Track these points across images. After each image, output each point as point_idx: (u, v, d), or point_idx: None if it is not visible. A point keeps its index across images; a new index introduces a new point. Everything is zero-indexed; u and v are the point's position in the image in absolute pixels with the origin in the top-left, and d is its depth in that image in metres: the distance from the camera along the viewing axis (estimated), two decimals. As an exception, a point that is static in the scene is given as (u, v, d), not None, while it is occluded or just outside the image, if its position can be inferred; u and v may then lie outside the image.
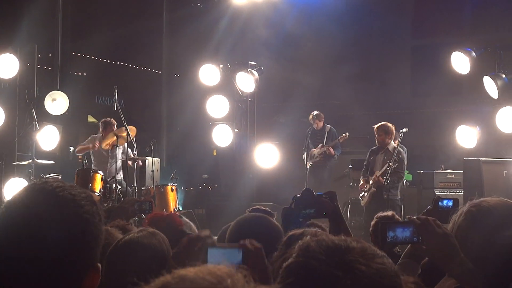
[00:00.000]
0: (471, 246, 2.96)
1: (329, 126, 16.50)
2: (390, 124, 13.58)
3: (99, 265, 2.07)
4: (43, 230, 1.94)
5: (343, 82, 17.55)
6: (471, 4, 17.70)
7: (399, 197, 13.40)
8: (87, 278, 2.03)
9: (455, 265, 3.00)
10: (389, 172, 12.97)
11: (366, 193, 13.43)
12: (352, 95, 17.59)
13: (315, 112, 16.44)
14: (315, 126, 16.40)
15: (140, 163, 14.95)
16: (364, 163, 13.88)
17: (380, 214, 7.04)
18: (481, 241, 2.87)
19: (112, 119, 14.68)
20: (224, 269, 1.54)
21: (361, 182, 13.62)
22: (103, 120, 14.81)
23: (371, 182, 13.29)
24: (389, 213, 7.10)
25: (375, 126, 13.64)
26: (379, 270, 1.86)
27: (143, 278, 3.56)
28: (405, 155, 13.46)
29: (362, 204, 13.66)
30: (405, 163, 13.41)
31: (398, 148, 13.42)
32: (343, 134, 16.20)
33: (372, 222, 7.00)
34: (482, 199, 3.33)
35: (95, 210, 2.06)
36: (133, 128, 14.35)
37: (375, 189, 13.18)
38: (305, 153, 16.34)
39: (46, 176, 14.10)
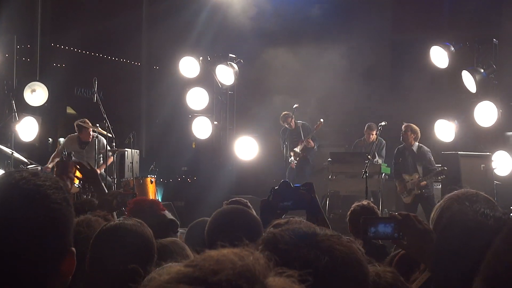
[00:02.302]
0: (451, 242, 2.94)
1: (301, 121, 16.63)
2: (413, 125, 14.17)
3: (73, 249, 2.09)
4: (11, 224, 1.95)
5: (322, 75, 17.57)
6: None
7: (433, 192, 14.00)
8: (64, 263, 2.05)
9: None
10: (429, 174, 13.75)
11: (406, 193, 14.08)
12: (331, 88, 17.60)
13: (283, 113, 16.52)
14: (286, 125, 16.48)
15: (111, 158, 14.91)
16: (393, 163, 14.58)
17: (357, 203, 7.14)
18: (463, 237, 2.83)
19: (87, 119, 14.61)
20: (245, 250, 1.59)
21: (398, 187, 14.29)
22: (77, 122, 14.69)
23: (411, 184, 13.94)
24: (365, 202, 7.21)
25: (404, 124, 14.02)
26: (349, 246, 1.92)
27: (129, 263, 3.58)
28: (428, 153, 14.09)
29: (404, 201, 14.16)
30: (432, 158, 14.06)
31: (423, 147, 14.03)
32: (318, 122, 16.33)
33: (349, 212, 7.09)
34: (458, 193, 3.36)
35: (62, 196, 2.06)
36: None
37: (419, 191, 13.81)
38: (289, 153, 16.40)
39: (26, 167, 14.06)
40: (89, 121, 14.53)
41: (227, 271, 1.47)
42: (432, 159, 13.93)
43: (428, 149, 14.19)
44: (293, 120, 16.52)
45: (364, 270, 1.98)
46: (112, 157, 14.63)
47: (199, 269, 1.48)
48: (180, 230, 5.96)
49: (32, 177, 2.06)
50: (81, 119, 14.70)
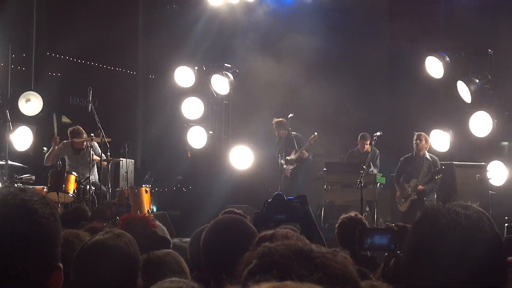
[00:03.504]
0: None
1: (294, 132, 16.58)
2: (426, 135, 14.39)
3: (61, 264, 2.07)
4: None
5: (320, 84, 17.55)
6: (445, 10, 17.77)
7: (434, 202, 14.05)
8: (51, 279, 2.04)
9: None
10: (430, 180, 13.92)
11: (403, 199, 14.27)
12: (328, 97, 17.59)
13: (276, 120, 16.51)
14: (277, 134, 16.47)
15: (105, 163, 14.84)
16: (396, 170, 14.69)
17: (344, 215, 7.14)
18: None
19: (80, 127, 14.58)
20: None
21: (398, 193, 14.46)
22: (70, 130, 14.64)
23: (410, 189, 14.12)
24: (352, 213, 7.20)
25: (416, 132, 14.10)
26: (344, 264, 1.92)
27: (110, 280, 3.58)
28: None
29: (400, 210, 14.33)
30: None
31: (433, 156, 14.25)
32: (312, 135, 16.29)
33: (337, 225, 7.08)
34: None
35: (49, 211, 2.05)
36: (108, 138, 14.29)
37: (416, 197, 13.92)
38: (282, 160, 16.35)
39: (20, 177, 14.04)
40: (84, 130, 14.50)
41: None
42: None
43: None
44: (286, 132, 16.45)
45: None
46: (105, 162, 14.62)
47: None
48: (175, 239, 5.94)
49: (19, 192, 2.05)
50: (74, 127, 14.67)
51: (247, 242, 3.71)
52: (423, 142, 14.12)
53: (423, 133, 14.21)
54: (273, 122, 16.55)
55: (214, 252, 4.02)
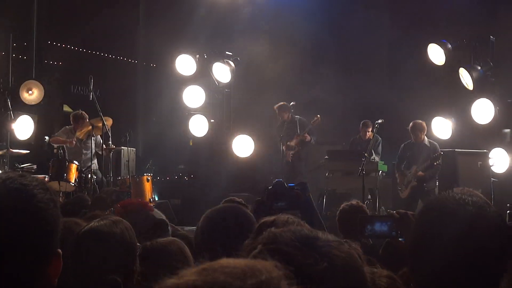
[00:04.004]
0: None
1: (298, 116, 16.55)
2: (420, 121, 14.30)
3: (60, 251, 2.06)
4: None
5: (321, 73, 17.54)
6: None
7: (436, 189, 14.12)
8: (51, 265, 2.03)
9: None
10: (429, 166, 13.87)
11: (404, 186, 14.32)
12: (330, 85, 17.56)
13: (278, 104, 16.49)
14: (280, 118, 16.44)
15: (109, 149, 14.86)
16: (398, 157, 14.69)
17: (346, 202, 7.16)
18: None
19: (83, 111, 14.62)
20: (266, 264, 1.54)
21: (399, 179, 14.50)
22: (73, 113, 14.69)
23: (410, 176, 14.15)
24: (354, 201, 7.22)
25: (409, 128, 14.32)
26: (349, 254, 1.90)
27: (106, 266, 3.57)
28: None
29: (401, 196, 14.37)
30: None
31: (433, 142, 14.26)
32: (315, 117, 16.24)
33: (338, 212, 7.10)
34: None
35: (49, 196, 2.04)
36: (109, 118, 14.33)
37: (416, 183, 13.94)
38: (283, 147, 16.34)
39: (21, 166, 14.04)
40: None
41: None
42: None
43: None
44: (290, 115, 16.45)
45: (363, 279, 1.96)
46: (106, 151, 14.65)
47: (207, 283, 1.46)
48: (178, 228, 5.93)
49: (19, 177, 2.03)
50: (77, 111, 14.69)
51: (245, 226, 3.70)
52: (418, 134, 14.11)
53: (417, 123, 14.16)
54: (274, 108, 16.52)
55: (213, 237, 4.02)
